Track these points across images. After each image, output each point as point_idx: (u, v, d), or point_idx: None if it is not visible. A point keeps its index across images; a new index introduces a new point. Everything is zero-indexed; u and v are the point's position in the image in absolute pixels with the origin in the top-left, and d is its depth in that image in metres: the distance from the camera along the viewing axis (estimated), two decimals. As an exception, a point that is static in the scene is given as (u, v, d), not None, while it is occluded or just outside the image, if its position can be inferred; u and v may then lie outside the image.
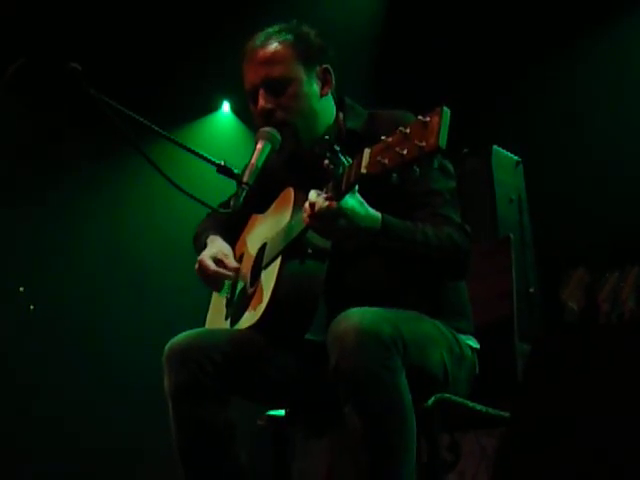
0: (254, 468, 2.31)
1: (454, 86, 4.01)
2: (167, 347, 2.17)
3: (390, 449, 1.96)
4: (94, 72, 2.13)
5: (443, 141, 1.73)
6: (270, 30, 2.32)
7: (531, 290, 3.90)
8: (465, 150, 4.04)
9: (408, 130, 1.78)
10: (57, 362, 4.20)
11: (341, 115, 2.37)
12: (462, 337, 2.23)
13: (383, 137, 1.84)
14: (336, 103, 2.37)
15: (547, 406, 1.54)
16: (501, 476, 1.58)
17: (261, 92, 2.27)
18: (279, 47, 2.29)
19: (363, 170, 1.87)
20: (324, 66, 2.31)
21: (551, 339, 1.65)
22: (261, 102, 2.26)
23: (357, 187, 1.96)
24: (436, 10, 4.85)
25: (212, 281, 2.41)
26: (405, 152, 1.78)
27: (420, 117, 1.76)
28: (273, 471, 2.39)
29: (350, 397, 1.94)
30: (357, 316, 1.96)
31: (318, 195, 1.95)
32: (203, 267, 2.38)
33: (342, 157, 2.04)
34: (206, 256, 2.39)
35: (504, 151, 4.24)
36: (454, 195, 2.24)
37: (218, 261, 2.37)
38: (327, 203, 1.93)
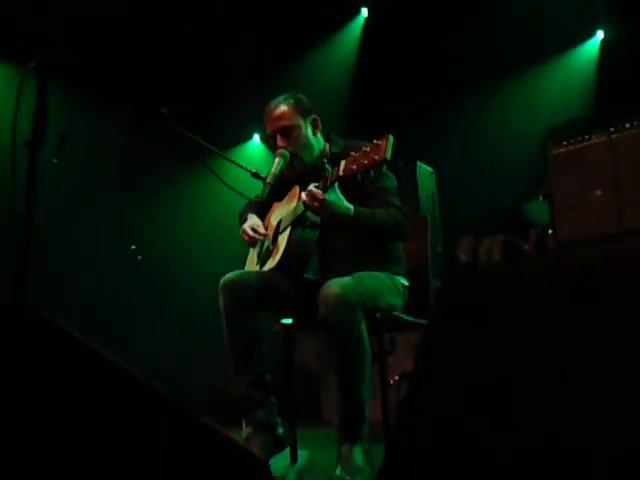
0: (272, 355, 2.45)
1: (397, 122, 4.09)
2: (221, 280, 2.41)
3: (355, 363, 2.16)
4: (176, 113, 2.35)
5: (389, 155, 1.96)
6: (278, 98, 2.56)
7: (439, 249, 4.12)
8: (401, 164, 4.21)
9: (368, 149, 2.04)
10: (152, 296, 4.34)
11: (327, 145, 2.61)
12: (398, 278, 2.52)
13: (352, 153, 2.11)
14: (325, 138, 2.63)
15: (454, 320, 1.37)
16: (421, 360, 1.42)
17: (278, 136, 2.53)
18: (286, 108, 2.52)
19: (340, 173, 2.13)
20: (314, 117, 2.58)
21: (455, 276, 1.59)
22: (279, 142, 2.52)
23: (337, 184, 2.22)
24: (384, 72, 5.07)
25: (250, 241, 2.65)
26: (365, 162, 2.02)
27: (375, 141, 2.03)
28: (284, 357, 2.58)
29: (331, 337, 2.18)
30: (335, 287, 2.16)
31: (314, 187, 2.25)
32: (245, 232, 2.64)
33: (328, 167, 2.35)
34: (247, 226, 2.64)
35: (424, 165, 4.47)
36: (397, 190, 2.51)
37: (254, 229, 2.62)
38: (318, 191, 2.21)
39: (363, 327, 2.20)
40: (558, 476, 1.01)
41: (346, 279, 2.23)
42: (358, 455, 2.17)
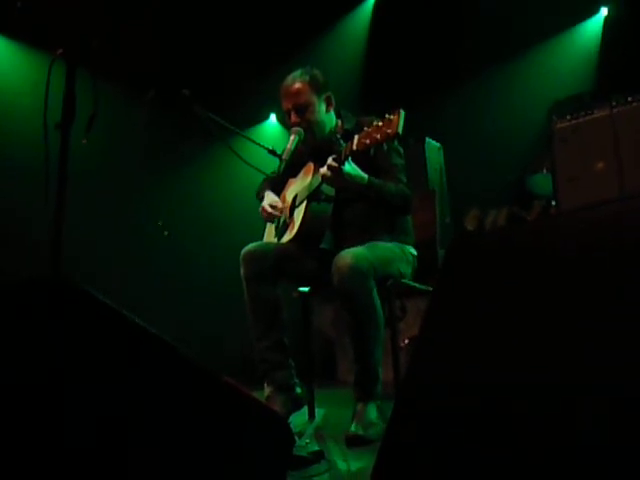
0: (291, 320, 2.49)
1: (407, 100, 3.86)
2: (242, 251, 2.50)
3: (369, 328, 2.23)
4: (196, 94, 2.40)
5: (400, 129, 1.98)
6: (294, 74, 2.57)
7: (447, 220, 4.14)
8: (411, 140, 4.23)
9: (380, 123, 2.06)
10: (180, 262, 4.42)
11: (339, 121, 2.64)
12: (407, 247, 2.57)
13: (365, 128, 2.12)
14: (336, 114, 2.65)
15: (454, 285, 1.36)
16: (426, 325, 1.39)
17: (292, 112, 2.55)
18: (300, 85, 2.52)
19: (354, 147, 2.17)
20: (328, 94, 2.58)
21: (459, 241, 1.51)
22: (293, 118, 2.55)
23: (350, 158, 2.26)
24: (393, 53, 5.08)
25: (269, 218, 2.73)
26: (378, 136, 2.05)
27: (387, 115, 2.05)
28: (301, 322, 2.66)
29: (345, 303, 2.24)
30: (348, 257, 2.23)
31: (332, 159, 2.28)
32: (264, 210, 2.70)
33: (342, 142, 2.40)
34: (265, 204, 2.70)
35: (432, 141, 4.51)
36: (404, 167, 2.55)
37: (272, 207, 2.68)
38: (335, 164, 2.26)
39: (375, 294, 2.26)
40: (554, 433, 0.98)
41: (358, 248, 2.29)
42: (372, 412, 2.24)
